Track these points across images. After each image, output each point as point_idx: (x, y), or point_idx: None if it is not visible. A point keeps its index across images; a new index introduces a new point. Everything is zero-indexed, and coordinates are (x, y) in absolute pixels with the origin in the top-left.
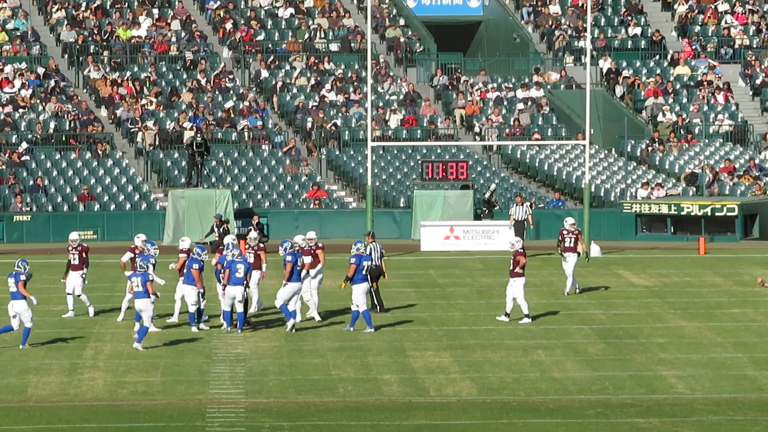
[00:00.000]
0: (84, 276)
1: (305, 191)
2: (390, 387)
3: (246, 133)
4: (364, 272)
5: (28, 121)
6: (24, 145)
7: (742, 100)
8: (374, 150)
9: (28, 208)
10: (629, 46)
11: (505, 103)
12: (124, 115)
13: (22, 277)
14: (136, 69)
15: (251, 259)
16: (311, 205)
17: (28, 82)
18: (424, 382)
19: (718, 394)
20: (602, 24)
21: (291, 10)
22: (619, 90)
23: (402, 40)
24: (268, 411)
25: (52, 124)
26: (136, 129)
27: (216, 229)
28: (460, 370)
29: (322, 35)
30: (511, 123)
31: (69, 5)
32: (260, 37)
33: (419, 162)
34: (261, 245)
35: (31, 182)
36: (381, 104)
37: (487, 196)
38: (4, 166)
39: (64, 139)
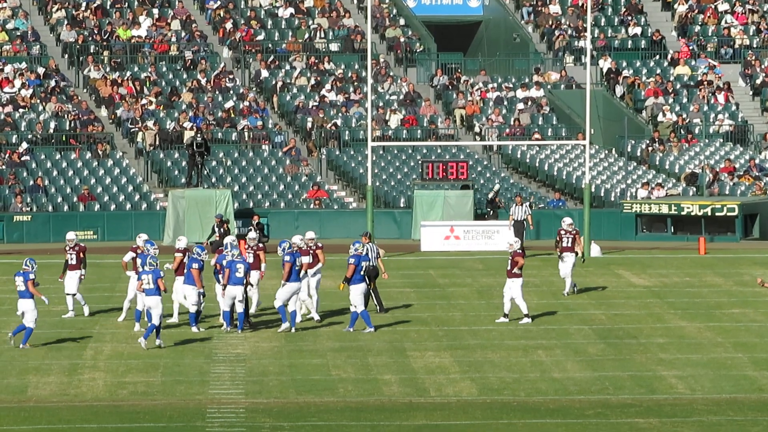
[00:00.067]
0: (82, 276)
1: (305, 191)
2: (390, 387)
3: (246, 133)
4: (362, 273)
5: (28, 121)
6: (24, 145)
7: (743, 100)
8: (374, 150)
9: (29, 208)
10: (629, 46)
11: (505, 103)
12: (125, 115)
13: (31, 276)
14: (136, 69)
15: (250, 260)
16: (311, 206)
17: (28, 82)
18: (425, 383)
19: (718, 394)
20: (602, 24)
21: (291, 10)
22: (619, 90)
23: (402, 40)
24: (268, 411)
25: (52, 124)
26: (137, 129)
27: (216, 229)
28: (460, 370)
29: (322, 35)
30: (512, 123)
31: (69, 5)
32: (260, 37)
33: (419, 162)
34: (260, 245)
35: (32, 182)
36: (381, 104)
37: (491, 196)
38: (4, 166)
39: (64, 139)
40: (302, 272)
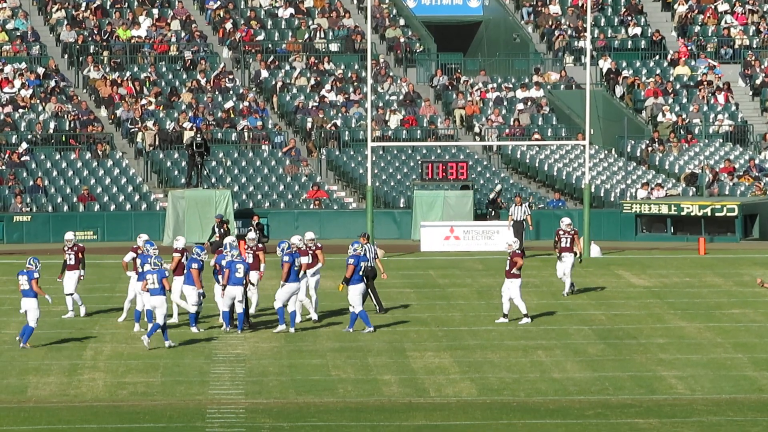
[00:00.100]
0: (82, 277)
1: (305, 192)
2: (390, 387)
3: (246, 134)
4: (360, 273)
5: (28, 122)
6: (24, 145)
7: (742, 101)
8: (374, 150)
9: (28, 209)
10: (629, 46)
11: (505, 103)
12: (124, 116)
13: (36, 275)
14: (136, 69)
15: (250, 260)
16: (311, 206)
17: (28, 82)
18: (424, 383)
19: (717, 394)
20: (602, 24)
21: (291, 10)
22: (619, 90)
23: (402, 40)
24: (268, 411)
25: (52, 125)
26: (136, 129)
27: (217, 230)
28: (460, 370)
29: (322, 35)
30: (511, 123)
31: (69, 5)
32: (260, 37)
33: (419, 162)
34: (260, 246)
35: (31, 182)
36: (381, 104)
37: (492, 196)
38: (4, 167)
39: (64, 139)
40: (301, 273)
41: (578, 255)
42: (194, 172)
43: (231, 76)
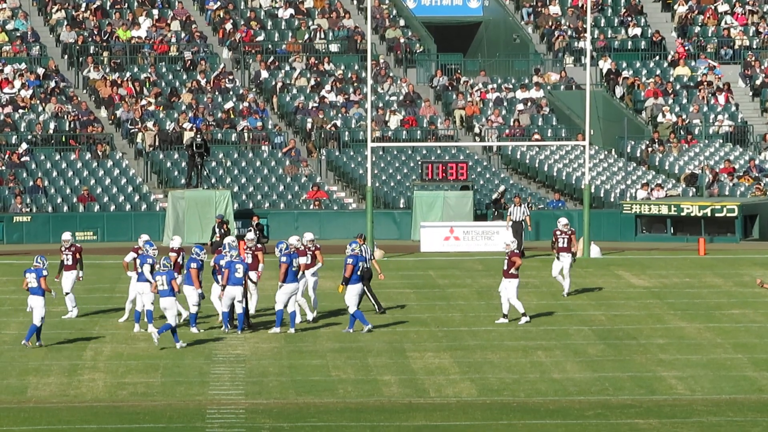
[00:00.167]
0: (81, 277)
1: (305, 192)
2: (390, 388)
3: (246, 134)
4: (358, 273)
5: (27, 122)
6: (24, 145)
7: (742, 101)
8: (374, 151)
9: (28, 209)
10: (629, 47)
11: (505, 103)
12: (124, 116)
13: (45, 273)
14: (135, 69)
15: (249, 260)
16: (311, 206)
17: (28, 82)
18: (424, 383)
19: (717, 395)
20: (602, 25)
21: (291, 11)
22: (618, 91)
23: (402, 40)
24: (268, 412)
25: (51, 125)
26: (136, 130)
27: (217, 230)
28: (459, 371)
29: (322, 36)
30: (511, 124)
31: (69, 6)
32: (260, 38)
33: (419, 163)
34: (259, 246)
35: (31, 183)
36: (381, 105)
37: (495, 197)
38: (3, 167)
39: (63, 139)
40: (300, 273)
41: (574, 254)
42: (194, 173)
43: (231, 77)
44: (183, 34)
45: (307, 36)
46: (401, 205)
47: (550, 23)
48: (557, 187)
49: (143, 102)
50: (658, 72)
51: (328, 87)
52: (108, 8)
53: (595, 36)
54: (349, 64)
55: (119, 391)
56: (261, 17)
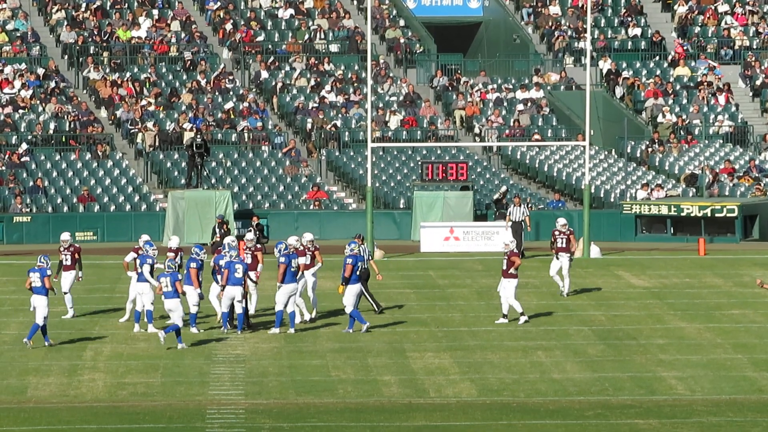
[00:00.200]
0: (80, 278)
1: (305, 192)
2: (390, 388)
3: (246, 134)
4: (357, 273)
5: (28, 122)
6: (24, 146)
7: (742, 101)
8: (374, 151)
9: (28, 209)
10: (629, 47)
11: (505, 104)
12: (124, 116)
13: (49, 272)
14: (136, 70)
15: (248, 260)
16: (311, 207)
17: (28, 82)
18: (424, 384)
19: (717, 395)
20: (602, 25)
21: (291, 11)
22: (619, 91)
23: (402, 40)
24: (268, 412)
25: (52, 125)
26: (136, 130)
27: (218, 230)
28: (459, 371)
29: (322, 36)
30: (511, 124)
31: (69, 6)
32: (260, 38)
33: (419, 163)
34: (258, 246)
35: (31, 183)
36: (381, 105)
37: (497, 197)
38: (4, 167)
39: (64, 140)
40: (299, 273)
41: (571, 254)
42: (194, 173)
43: (231, 77)
44: (183, 35)
45: (307, 36)
46: (401, 206)
47: (550, 23)
48: (557, 188)
49: (143, 102)
50: (658, 72)
51: (328, 87)
52: (108, 8)
53: (595, 36)
54: (349, 64)
55: (119, 391)
56: (261, 17)
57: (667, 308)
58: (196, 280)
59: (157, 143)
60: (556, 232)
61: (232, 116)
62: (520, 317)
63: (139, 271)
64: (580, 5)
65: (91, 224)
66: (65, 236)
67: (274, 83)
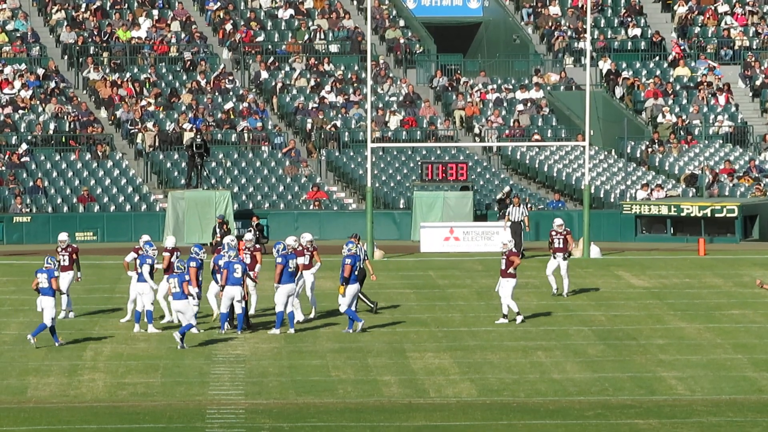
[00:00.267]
0: (79, 278)
1: (305, 192)
2: (390, 388)
3: (246, 135)
4: (356, 273)
5: (27, 123)
6: (24, 146)
7: (742, 102)
8: (374, 151)
9: (28, 210)
10: (629, 47)
11: (505, 104)
12: (124, 117)
13: (56, 273)
14: (135, 70)
15: (248, 260)
16: (311, 207)
17: (28, 83)
18: (424, 384)
19: (717, 395)
20: (602, 25)
21: (291, 11)
22: (618, 91)
23: (402, 41)
24: (268, 412)
25: (51, 126)
26: (136, 130)
27: (218, 230)
28: (459, 371)
29: (322, 36)
30: (511, 124)
31: (69, 6)
32: (260, 38)
33: (419, 163)
34: (257, 246)
35: (31, 183)
36: (381, 105)
37: (500, 196)
38: (3, 168)
39: (63, 140)
40: (298, 273)
41: (568, 254)
42: (194, 173)
43: (231, 77)
44: (183, 35)
45: (307, 36)
46: (401, 206)
47: (550, 24)
48: (557, 188)
49: (143, 102)
50: (658, 72)
51: (328, 87)
52: (108, 9)
53: (595, 36)
54: (349, 64)
55: (119, 392)
56: (261, 18)
57: (667, 308)
58: (195, 280)
59: (157, 143)
60: (553, 233)
61: (232, 116)
62: (516, 317)
63: (139, 271)
64: (580, 5)
65: (91, 224)
66: (63, 236)
67: (273, 83)
